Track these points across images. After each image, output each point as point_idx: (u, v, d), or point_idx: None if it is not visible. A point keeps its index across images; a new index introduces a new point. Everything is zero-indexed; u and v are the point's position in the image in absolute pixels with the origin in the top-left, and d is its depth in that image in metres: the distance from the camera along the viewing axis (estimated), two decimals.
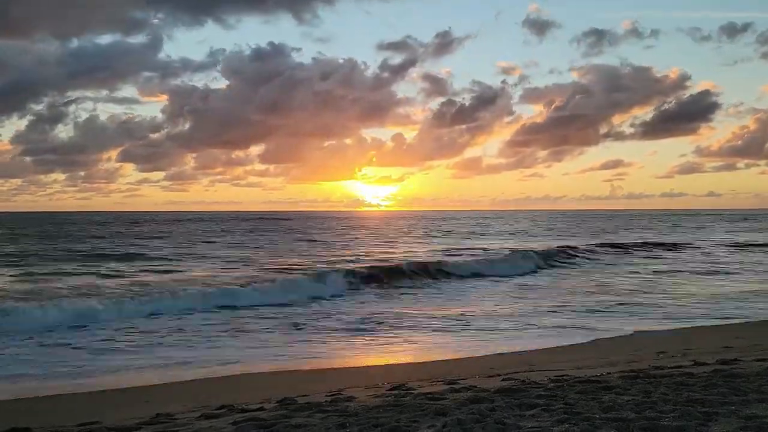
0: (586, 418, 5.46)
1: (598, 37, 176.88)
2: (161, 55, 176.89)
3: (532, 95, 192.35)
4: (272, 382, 9.16)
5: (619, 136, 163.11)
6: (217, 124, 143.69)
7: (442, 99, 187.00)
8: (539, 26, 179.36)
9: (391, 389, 7.61)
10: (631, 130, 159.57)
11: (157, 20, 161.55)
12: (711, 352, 10.02)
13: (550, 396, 6.52)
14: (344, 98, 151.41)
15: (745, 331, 12.84)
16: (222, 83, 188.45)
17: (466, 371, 9.21)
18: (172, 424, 6.38)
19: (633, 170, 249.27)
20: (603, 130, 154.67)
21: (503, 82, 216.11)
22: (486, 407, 6.04)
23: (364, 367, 10.74)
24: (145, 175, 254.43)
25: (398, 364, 10.80)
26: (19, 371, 10.30)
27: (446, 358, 11.02)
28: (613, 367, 8.67)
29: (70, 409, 7.85)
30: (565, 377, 7.85)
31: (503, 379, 8.00)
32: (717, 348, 10.47)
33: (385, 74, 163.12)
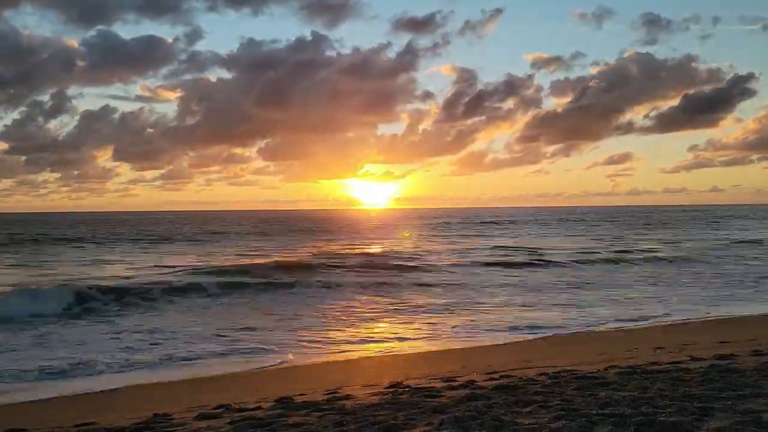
0: (583, 414, 5.46)
1: (653, 25, 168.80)
2: (175, 50, 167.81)
3: (561, 87, 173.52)
4: (269, 381, 9.15)
5: (630, 129, 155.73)
6: (216, 120, 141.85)
7: (459, 89, 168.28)
8: (591, 15, 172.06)
9: (388, 387, 7.61)
10: (646, 122, 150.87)
11: (182, 10, 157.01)
12: (707, 347, 10.04)
13: (547, 392, 6.52)
14: (351, 91, 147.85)
15: (741, 327, 12.88)
16: (226, 77, 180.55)
17: (463, 368, 9.21)
18: (168, 424, 6.37)
19: (640, 165, 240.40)
20: (615, 123, 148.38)
21: (535, 69, 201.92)
22: (483, 404, 6.04)
23: (361, 364, 10.74)
24: (141, 173, 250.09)
25: (396, 362, 10.80)
26: None
27: (446, 355, 11.03)
28: (610, 363, 8.68)
29: (67, 409, 7.83)
30: (562, 373, 7.86)
31: (500, 376, 8.00)
32: (713, 343, 10.49)
33: (407, 57, 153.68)
